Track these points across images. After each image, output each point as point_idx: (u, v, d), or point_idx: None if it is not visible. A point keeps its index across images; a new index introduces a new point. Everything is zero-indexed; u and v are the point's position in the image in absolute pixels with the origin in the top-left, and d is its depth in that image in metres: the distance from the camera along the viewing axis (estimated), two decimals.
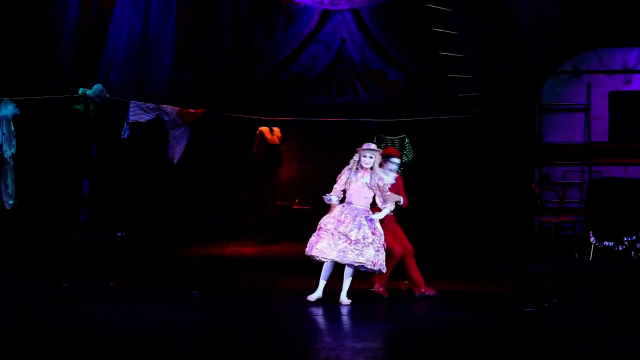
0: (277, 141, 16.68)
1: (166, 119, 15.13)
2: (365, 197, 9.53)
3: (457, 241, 14.72)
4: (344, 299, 9.37)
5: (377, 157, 9.61)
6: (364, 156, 9.56)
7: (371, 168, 9.54)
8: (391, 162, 9.85)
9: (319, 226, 9.52)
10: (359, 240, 9.31)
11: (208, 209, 16.71)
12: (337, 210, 9.53)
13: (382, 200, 9.51)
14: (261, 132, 16.46)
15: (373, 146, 9.65)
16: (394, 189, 9.79)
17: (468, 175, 15.61)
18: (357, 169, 9.57)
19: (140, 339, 7.56)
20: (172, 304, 9.44)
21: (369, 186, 9.50)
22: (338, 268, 9.51)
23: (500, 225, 14.90)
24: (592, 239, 13.50)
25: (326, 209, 9.76)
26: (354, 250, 9.29)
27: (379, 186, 9.49)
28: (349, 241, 9.31)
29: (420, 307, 9.46)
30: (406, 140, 15.59)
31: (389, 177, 9.81)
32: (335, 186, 9.62)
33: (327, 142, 17.15)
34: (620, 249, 13.36)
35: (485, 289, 10.77)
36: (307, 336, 7.97)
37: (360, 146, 9.62)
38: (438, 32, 16.03)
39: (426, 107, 16.45)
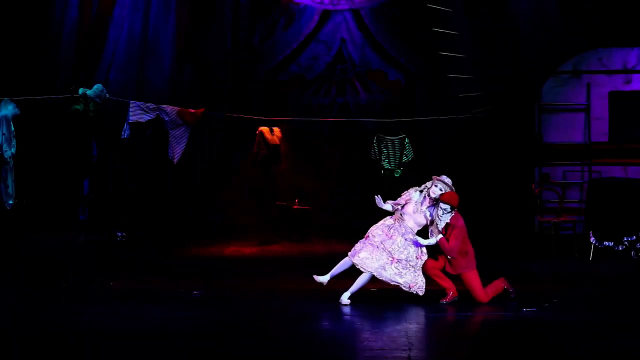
0: (277, 141, 16.68)
1: (166, 119, 15.14)
2: (417, 224, 9.50)
3: None
4: (344, 299, 9.36)
5: (445, 192, 9.54)
6: (435, 186, 9.51)
7: (436, 199, 9.51)
8: (440, 207, 9.48)
9: (367, 234, 9.51)
10: (401, 260, 9.31)
11: (208, 209, 16.70)
12: (388, 222, 9.52)
13: (430, 230, 9.52)
14: (261, 132, 16.45)
15: (448, 181, 9.55)
16: (450, 230, 9.49)
17: (468, 175, 15.58)
18: (425, 194, 9.56)
19: (140, 339, 7.56)
20: (172, 304, 9.44)
21: (425, 216, 9.51)
22: (353, 270, 9.50)
23: (500, 225, 14.89)
24: (592, 239, 13.49)
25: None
26: (394, 269, 9.29)
27: (433, 219, 9.49)
28: (391, 259, 9.30)
29: (419, 307, 9.45)
30: (406, 140, 15.60)
31: (440, 222, 9.57)
32: (398, 199, 9.59)
33: (327, 142, 17.15)
34: (620, 249, 13.35)
35: None
36: (307, 336, 7.97)
37: (439, 175, 9.57)
38: (438, 32, 16.03)
39: (426, 107, 16.45)
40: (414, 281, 9.38)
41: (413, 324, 8.53)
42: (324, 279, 9.49)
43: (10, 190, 14.07)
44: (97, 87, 14.81)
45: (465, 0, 16.02)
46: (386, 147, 15.55)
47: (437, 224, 9.50)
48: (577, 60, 15.33)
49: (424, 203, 9.56)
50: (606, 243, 13.42)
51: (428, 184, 9.60)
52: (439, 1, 16.02)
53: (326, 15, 17.07)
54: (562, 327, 8.24)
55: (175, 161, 15.30)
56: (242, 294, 10.30)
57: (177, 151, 15.24)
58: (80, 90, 14.70)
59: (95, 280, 11.18)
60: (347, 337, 7.94)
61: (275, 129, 16.66)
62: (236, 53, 16.87)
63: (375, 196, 9.58)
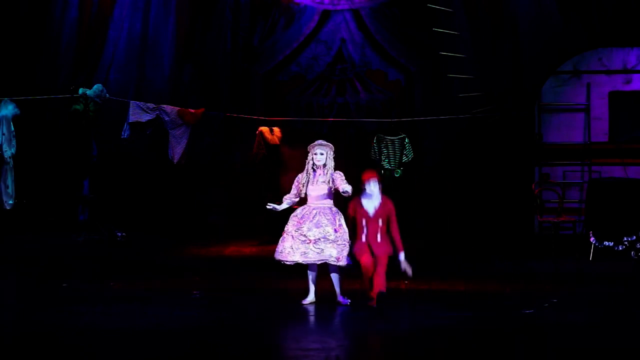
0: (277, 141, 16.67)
1: (166, 119, 15.14)
2: (324, 194, 9.47)
3: (457, 241, 14.72)
4: (341, 299, 9.37)
5: (328, 153, 9.57)
6: (315, 154, 9.54)
7: (324, 165, 9.50)
8: (367, 185, 9.44)
9: (283, 231, 9.51)
10: (318, 239, 9.29)
11: (208, 209, 16.69)
12: (297, 211, 9.53)
13: (342, 189, 9.37)
14: (261, 132, 16.44)
15: (322, 142, 9.60)
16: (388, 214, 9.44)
17: (468, 175, 15.61)
18: (313, 169, 9.53)
19: (140, 339, 7.57)
20: (172, 303, 9.44)
21: (326, 184, 9.47)
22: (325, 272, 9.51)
23: (500, 225, 14.89)
24: (592, 239, 13.49)
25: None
26: (314, 249, 9.27)
27: (334, 180, 9.42)
28: (308, 241, 9.30)
29: (420, 307, 9.46)
30: (406, 140, 15.59)
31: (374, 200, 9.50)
32: (292, 190, 9.62)
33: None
34: (620, 249, 13.35)
35: (485, 289, 10.77)
36: (307, 336, 7.97)
37: (312, 144, 9.60)
38: (438, 32, 16.03)
39: (426, 107, 16.45)
40: (340, 254, 9.29)
41: (412, 324, 8.54)
42: (311, 298, 9.47)
43: (10, 190, 14.08)
44: (97, 87, 14.81)
45: (465, 0, 16.02)
46: (386, 147, 15.55)
47: (342, 178, 9.37)
48: (577, 60, 15.33)
49: (317, 174, 9.51)
50: (606, 243, 13.41)
51: (308, 158, 9.58)
52: (439, 1, 16.01)
53: (326, 15, 17.05)
54: (562, 327, 8.24)
55: (175, 161, 15.30)
56: (242, 294, 10.30)
57: (177, 151, 15.24)
58: (80, 90, 14.70)
59: (95, 280, 11.18)
60: (346, 337, 7.95)
61: (275, 129, 16.64)
62: (236, 53, 16.86)
63: (268, 206, 9.56)
